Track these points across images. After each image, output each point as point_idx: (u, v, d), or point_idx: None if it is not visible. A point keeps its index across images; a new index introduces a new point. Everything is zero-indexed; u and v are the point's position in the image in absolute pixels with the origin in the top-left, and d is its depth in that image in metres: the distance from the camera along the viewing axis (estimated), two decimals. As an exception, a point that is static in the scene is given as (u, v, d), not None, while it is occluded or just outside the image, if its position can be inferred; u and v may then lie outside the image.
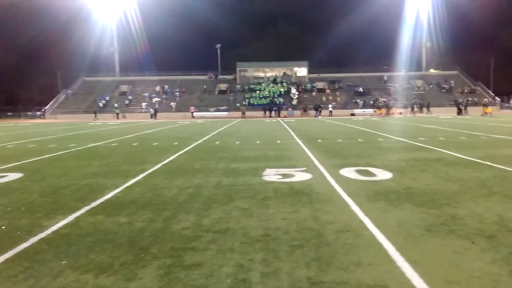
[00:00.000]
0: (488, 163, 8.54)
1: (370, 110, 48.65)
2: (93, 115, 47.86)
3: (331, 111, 47.63)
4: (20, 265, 3.48)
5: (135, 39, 65.40)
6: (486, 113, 40.13)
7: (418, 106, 50.08)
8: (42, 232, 4.39)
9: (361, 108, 51.80)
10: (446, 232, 4.15)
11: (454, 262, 3.39)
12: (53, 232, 4.38)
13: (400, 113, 46.23)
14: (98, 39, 62.91)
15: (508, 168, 7.84)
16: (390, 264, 3.36)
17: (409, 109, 46.77)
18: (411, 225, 4.40)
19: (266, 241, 3.99)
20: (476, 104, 49.31)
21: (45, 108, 55.52)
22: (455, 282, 3.02)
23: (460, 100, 48.26)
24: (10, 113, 58.59)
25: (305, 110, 50.16)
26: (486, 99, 50.78)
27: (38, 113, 56.26)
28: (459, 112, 42.41)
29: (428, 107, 47.21)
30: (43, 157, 11.07)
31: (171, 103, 54.47)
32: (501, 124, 22.95)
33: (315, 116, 45.24)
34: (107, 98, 56.35)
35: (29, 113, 58.18)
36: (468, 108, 44.29)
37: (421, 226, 4.37)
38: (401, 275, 3.15)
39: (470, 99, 52.47)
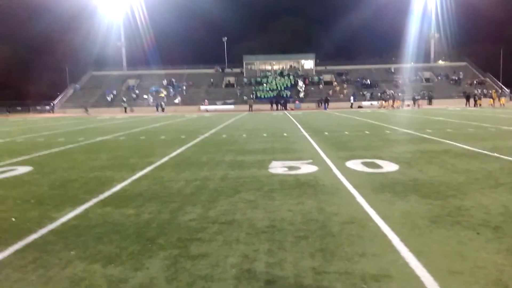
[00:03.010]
0: (495, 154, 8.48)
1: (376, 103, 48.31)
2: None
3: (352, 103, 47.24)
4: (30, 256, 3.55)
5: (142, 33, 65.65)
6: (502, 104, 39.81)
7: (427, 98, 49.73)
8: (51, 223, 4.46)
9: (368, 101, 51.47)
10: (451, 223, 4.15)
11: (458, 253, 3.39)
12: (62, 224, 4.46)
13: (408, 105, 45.94)
14: (105, 34, 63.31)
15: (516, 160, 7.78)
16: (394, 255, 3.38)
17: (412, 101, 46.53)
18: (416, 217, 4.40)
19: (271, 232, 4.03)
20: (485, 95, 48.75)
21: (54, 102, 55.95)
22: (458, 272, 3.04)
23: (475, 92, 47.69)
24: (19, 108, 59.17)
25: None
26: (490, 90, 50.08)
27: (47, 107, 56.75)
28: (475, 104, 42.06)
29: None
30: (52, 150, 11.20)
31: (176, 99, 54.46)
32: (510, 116, 22.69)
33: (324, 108, 45.10)
34: (114, 92, 56.58)
35: (38, 108, 58.74)
36: (478, 101, 43.70)
37: (426, 217, 4.38)
38: (405, 265, 3.17)
39: (479, 90, 51.89)
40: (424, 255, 3.35)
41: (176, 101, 54.03)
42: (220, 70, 65.06)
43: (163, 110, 47.37)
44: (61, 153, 10.68)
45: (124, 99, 52.60)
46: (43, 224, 4.45)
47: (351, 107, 46.51)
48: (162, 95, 54.94)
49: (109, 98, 54.90)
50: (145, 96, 54.56)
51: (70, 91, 59.26)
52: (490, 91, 48.94)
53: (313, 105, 50.10)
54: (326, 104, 45.96)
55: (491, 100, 42.08)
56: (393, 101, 45.95)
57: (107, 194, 5.82)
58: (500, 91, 51.03)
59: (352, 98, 48.92)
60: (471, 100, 43.42)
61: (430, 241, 3.68)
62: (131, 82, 61.98)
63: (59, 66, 66.83)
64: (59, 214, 4.83)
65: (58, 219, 4.61)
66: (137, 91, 58.05)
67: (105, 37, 63.63)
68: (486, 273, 3.01)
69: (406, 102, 47.17)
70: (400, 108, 42.63)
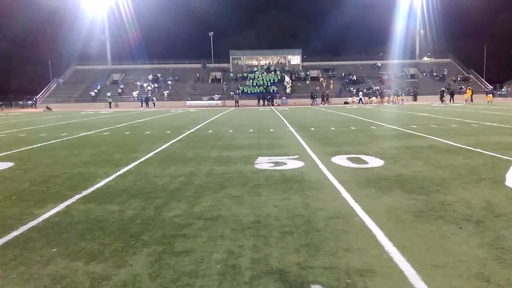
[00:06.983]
0: (478, 150, 8.62)
1: (363, 99, 48.56)
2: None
3: (360, 99, 47.22)
4: (11, 253, 3.48)
5: (127, 27, 64.84)
6: (489, 101, 40.21)
7: (412, 94, 50.24)
8: (32, 220, 4.38)
9: (357, 97, 51.61)
10: (435, 218, 4.19)
11: (441, 247, 3.43)
12: (44, 220, 4.38)
13: (393, 101, 46.37)
14: (89, 28, 62.26)
15: (498, 155, 7.92)
16: (379, 249, 3.40)
17: (394, 96, 46.97)
18: (400, 211, 4.44)
19: (257, 228, 4.01)
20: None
21: (37, 97, 54.92)
22: (441, 266, 3.07)
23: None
24: (1, 103, 57.86)
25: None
26: (469, 86, 50.70)
27: (30, 102, 55.64)
28: (441, 99, 42.66)
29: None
30: (34, 146, 11.00)
31: (161, 94, 53.95)
32: (493, 112, 23.10)
33: (311, 104, 45.05)
34: (98, 87, 55.80)
35: (20, 103, 57.55)
36: (444, 97, 43.88)
37: (410, 212, 4.42)
38: (389, 259, 3.20)
39: (463, 86, 52.55)
40: (407, 249, 3.38)
41: (162, 94, 53.52)
42: (205, 65, 64.49)
43: (154, 105, 47.10)
44: (44, 149, 10.49)
45: (109, 94, 51.89)
46: (25, 220, 4.37)
47: (360, 102, 46.49)
48: (151, 87, 54.41)
49: (92, 93, 54.06)
50: (134, 93, 53.86)
51: (53, 86, 58.21)
52: (465, 88, 49.57)
53: (300, 100, 49.95)
54: (314, 100, 45.53)
55: (469, 94, 42.44)
56: (381, 97, 46.23)
57: (90, 190, 5.73)
58: (471, 87, 51.26)
59: (360, 93, 48.92)
60: (447, 96, 43.80)
61: (413, 235, 3.72)
62: (116, 76, 61.17)
63: (42, 60, 65.61)
64: (41, 210, 4.74)
65: (39, 216, 4.52)
66: (122, 86, 57.32)
67: (89, 31, 62.63)
68: (468, 266, 3.05)
69: (390, 98, 47.54)
70: (395, 104, 42.90)
